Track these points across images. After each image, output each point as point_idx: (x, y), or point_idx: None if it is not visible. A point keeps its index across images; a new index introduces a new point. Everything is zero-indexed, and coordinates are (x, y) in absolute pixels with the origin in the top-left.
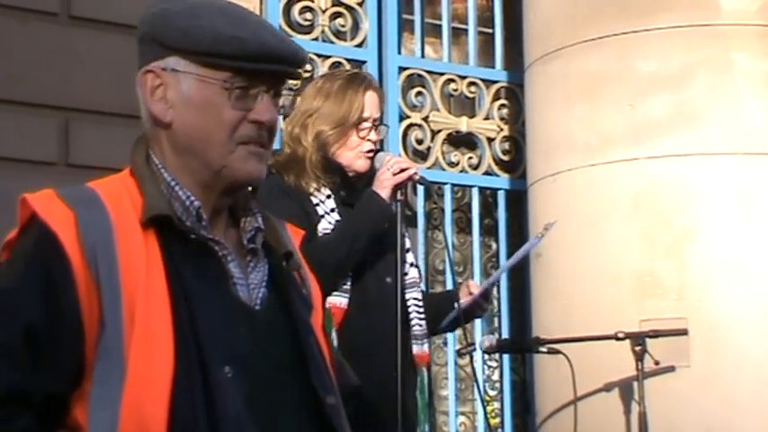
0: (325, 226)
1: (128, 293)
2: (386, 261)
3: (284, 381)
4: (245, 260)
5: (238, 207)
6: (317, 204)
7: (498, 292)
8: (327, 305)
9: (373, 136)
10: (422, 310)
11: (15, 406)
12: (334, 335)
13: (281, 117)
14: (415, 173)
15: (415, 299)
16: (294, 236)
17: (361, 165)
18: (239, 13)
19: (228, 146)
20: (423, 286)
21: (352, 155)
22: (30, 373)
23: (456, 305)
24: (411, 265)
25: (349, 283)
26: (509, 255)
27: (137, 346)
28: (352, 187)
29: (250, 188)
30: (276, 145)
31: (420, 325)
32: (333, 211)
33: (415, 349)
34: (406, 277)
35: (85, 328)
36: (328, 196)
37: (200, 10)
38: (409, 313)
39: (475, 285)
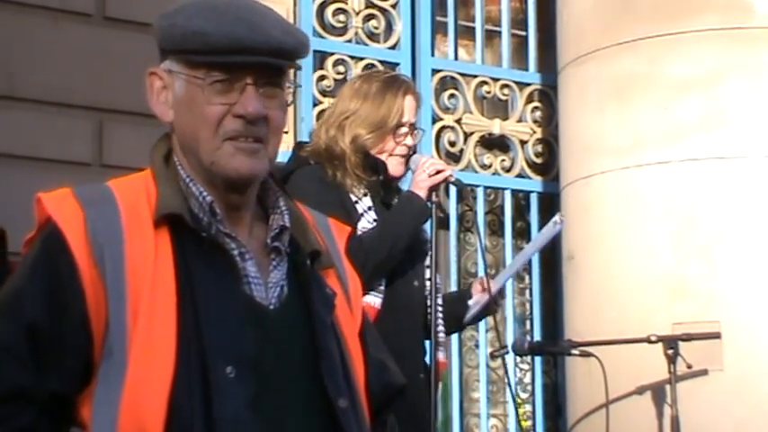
0: (364, 225)
1: (133, 293)
2: (413, 264)
3: (295, 381)
4: (267, 258)
5: (268, 204)
6: (356, 202)
7: (530, 295)
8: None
9: (409, 141)
10: (443, 315)
11: (18, 404)
12: None
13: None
14: (451, 174)
15: (438, 304)
16: (337, 233)
17: (396, 169)
18: (224, 8)
19: (214, 142)
20: (454, 288)
21: (387, 158)
22: (33, 372)
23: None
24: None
25: (384, 284)
26: (541, 257)
27: (138, 346)
28: (389, 186)
29: (275, 185)
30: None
31: (442, 331)
32: (370, 209)
33: (439, 355)
34: (431, 282)
35: (93, 328)
36: (365, 194)
37: (187, 8)
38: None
39: (486, 281)
